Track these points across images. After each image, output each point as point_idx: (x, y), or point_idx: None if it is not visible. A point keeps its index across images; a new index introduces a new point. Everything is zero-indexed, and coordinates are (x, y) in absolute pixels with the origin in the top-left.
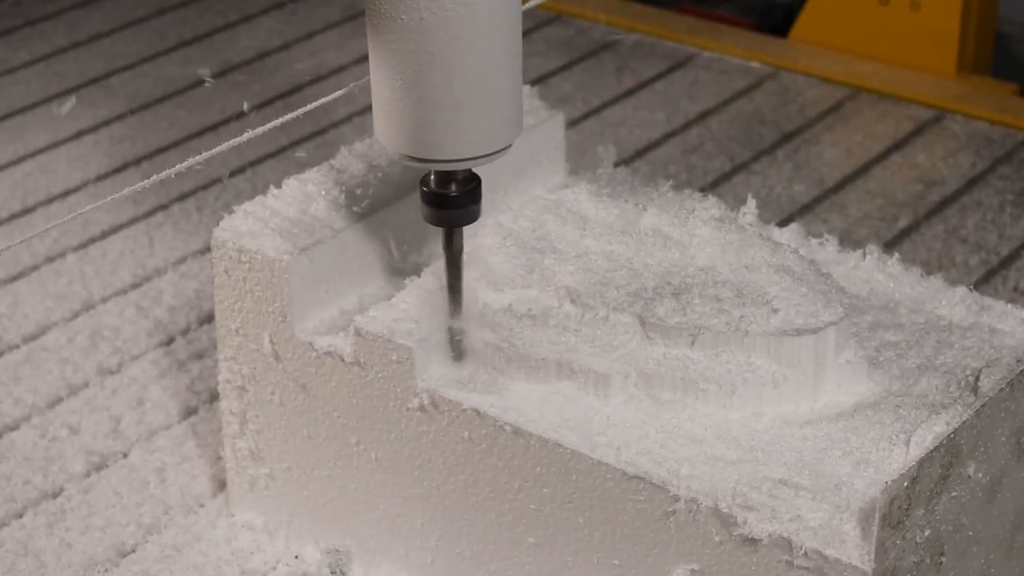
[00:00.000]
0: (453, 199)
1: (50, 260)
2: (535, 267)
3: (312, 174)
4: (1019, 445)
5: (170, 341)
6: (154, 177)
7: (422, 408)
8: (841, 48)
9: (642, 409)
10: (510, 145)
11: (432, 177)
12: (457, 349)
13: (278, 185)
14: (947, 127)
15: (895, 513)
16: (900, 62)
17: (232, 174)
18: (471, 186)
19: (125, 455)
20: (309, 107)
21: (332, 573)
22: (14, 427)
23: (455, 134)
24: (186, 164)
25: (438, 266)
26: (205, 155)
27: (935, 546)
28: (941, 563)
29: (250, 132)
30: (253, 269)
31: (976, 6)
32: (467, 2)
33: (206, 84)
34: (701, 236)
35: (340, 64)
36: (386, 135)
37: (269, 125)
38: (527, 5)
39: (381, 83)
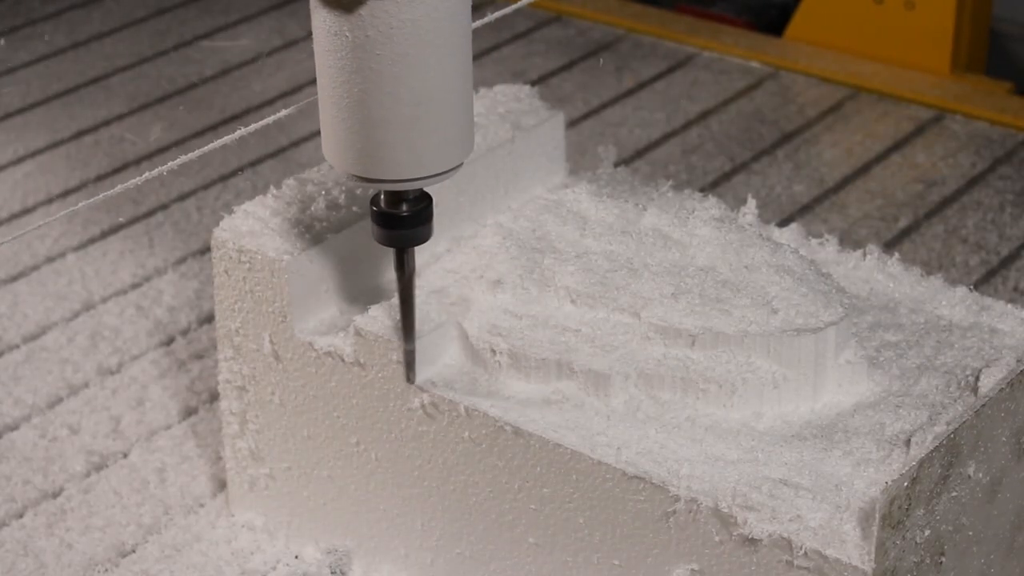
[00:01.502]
0: (403, 219)
1: (50, 260)
2: (535, 267)
3: (312, 174)
4: (1019, 445)
5: (170, 341)
6: (125, 184)
7: (422, 408)
8: (835, 47)
9: (642, 409)
10: (461, 164)
11: (382, 197)
12: (411, 371)
13: (278, 185)
14: (947, 127)
15: (895, 513)
16: (895, 61)
17: (232, 173)
18: (422, 206)
19: (125, 455)
20: (276, 116)
21: (332, 573)
22: (14, 427)
23: (403, 154)
24: (167, 167)
25: (437, 266)
26: (189, 156)
27: (935, 546)
28: (941, 563)
29: (243, 129)
30: (253, 269)
31: (970, 5)
32: (413, 20)
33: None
34: (701, 236)
35: None
36: (333, 154)
37: (263, 122)
38: (522, 3)
39: (327, 101)
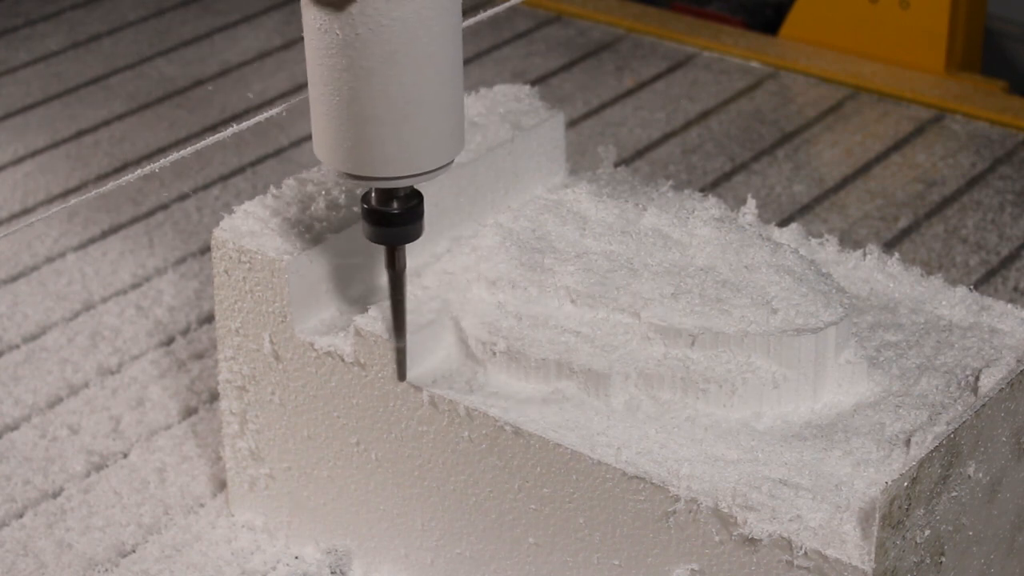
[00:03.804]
0: (394, 216)
1: (50, 260)
2: (535, 267)
3: (312, 174)
4: (1019, 445)
5: (170, 341)
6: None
7: (422, 408)
8: (829, 46)
9: (642, 409)
10: (451, 162)
11: (373, 194)
12: (401, 369)
13: (278, 185)
14: (947, 127)
15: (895, 513)
16: (889, 60)
17: (231, 174)
18: (412, 203)
19: (125, 455)
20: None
21: (332, 573)
22: (14, 427)
23: (393, 151)
24: (154, 167)
25: (437, 266)
26: (182, 152)
27: (935, 546)
28: (941, 563)
29: (236, 126)
30: (253, 269)
31: (965, 3)
32: (403, 18)
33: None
34: (701, 236)
35: None
36: (324, 152)
37: (258, 118)
38: (512, 3)
39: (318, 99)
